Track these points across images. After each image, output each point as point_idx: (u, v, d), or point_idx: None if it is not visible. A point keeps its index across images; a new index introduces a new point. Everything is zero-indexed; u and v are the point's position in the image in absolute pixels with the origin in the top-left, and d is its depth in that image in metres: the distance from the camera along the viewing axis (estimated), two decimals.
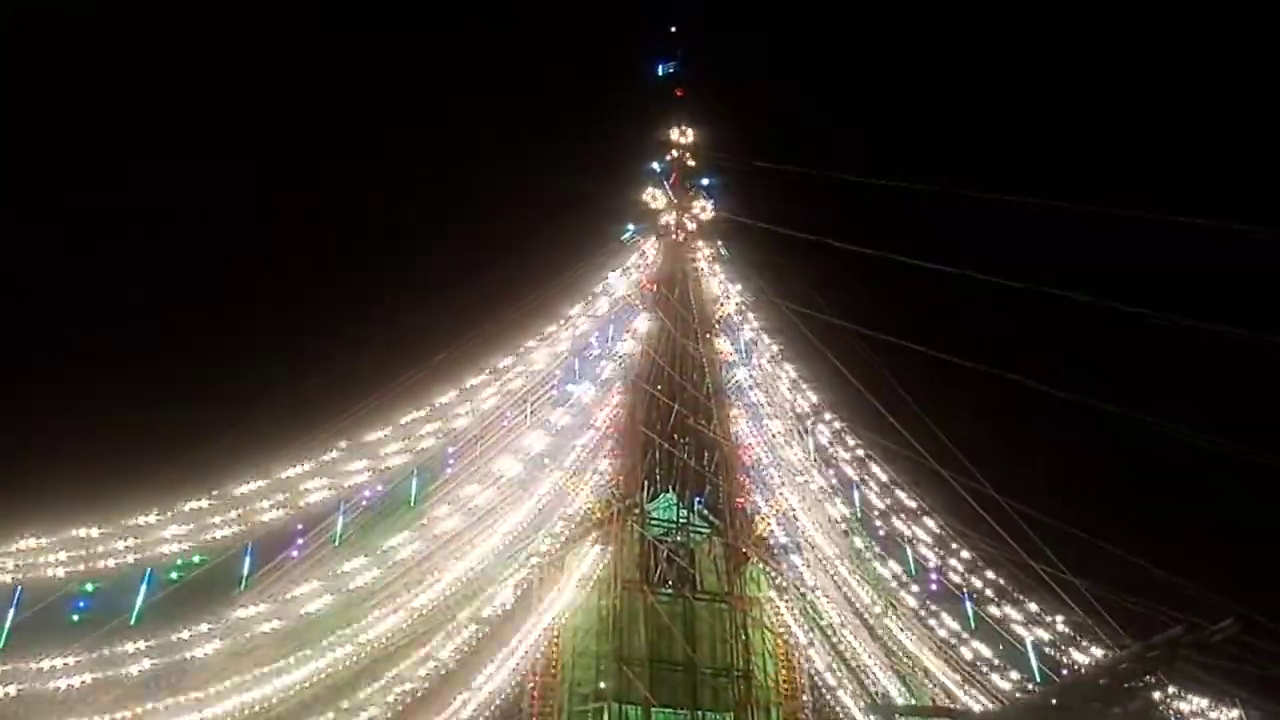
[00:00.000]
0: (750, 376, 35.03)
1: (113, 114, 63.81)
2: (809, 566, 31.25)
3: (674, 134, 38.98)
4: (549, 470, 29.10)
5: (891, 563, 30.47)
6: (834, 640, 29.94)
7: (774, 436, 33.53)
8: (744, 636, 29.24)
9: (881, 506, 31.10)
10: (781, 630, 30.44)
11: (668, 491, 32.90)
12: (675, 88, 40.26)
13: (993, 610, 28.24)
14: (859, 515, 31.50)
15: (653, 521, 31.64)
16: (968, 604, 28.91)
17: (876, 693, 28.72)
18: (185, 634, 20.90)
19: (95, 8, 52.09)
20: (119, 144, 62.56)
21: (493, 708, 25.85)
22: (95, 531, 21.11)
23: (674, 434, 33.38)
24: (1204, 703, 23.61)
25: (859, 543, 31.05)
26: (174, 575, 22.04)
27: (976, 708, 26.71)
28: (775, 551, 31.61)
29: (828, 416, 33.19)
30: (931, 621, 29.29)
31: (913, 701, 28.07)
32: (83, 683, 19.16)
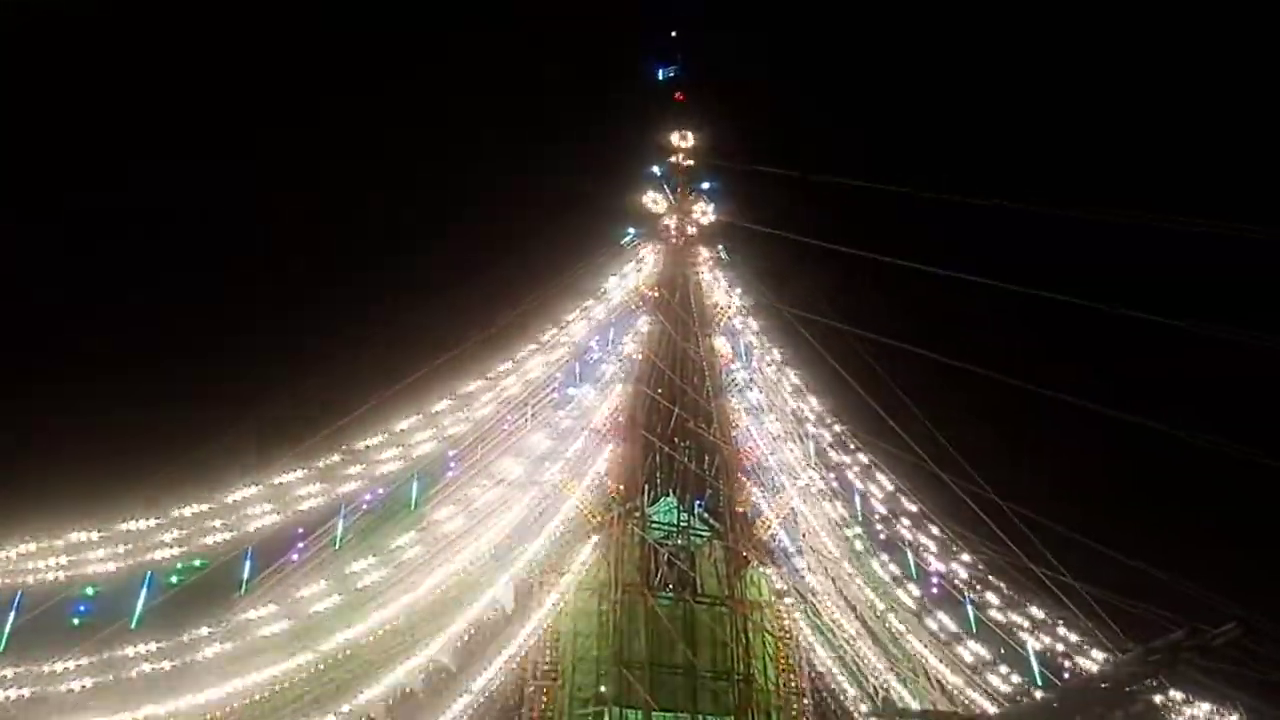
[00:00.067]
0: (750, 380, 35.06)
1: (113, 114, 63.89)
2: (810, 570, 31.25)
3: (674, 138, 39.00)
4: (549, 473, 29.12)
5: (892, 566, 30.48)
6: (835, 644, 29.93)
7: (774, 440, 33.56)
8: (744, 640, 29.20)
9: (882, 510, 31.13)
10: (782, 634, 30.40)
11: (668, 495, 32.90)
12: (676, 91, 40.31)
13: (994, 613, 28.24)
14: (860, 518, 31.51)
15: (653, 525, 31.63)
16: (969, 607, 28.90)
17: (877, 696, 28.68)
18: (187, 637, 20.91)
19: (95, 8, 52.18)
20: (119, 144, 62.63)
21: (493, 710, 25.81)
22: (95, 535, 21.11)
23: (674, 437, 33.38)
24: (1205, 706, 23.58)
25: (860, 546, 31.05)
26: (174, 579, 22.06)
27: (977, 711, 26.65)
28: (776, 555, 31.59)
29: (828, 420, 33.24)
30: (932, 625, 29.28)
31: (914, 705, 28.02)
32: (82, 687, 19.12)
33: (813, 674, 29.94)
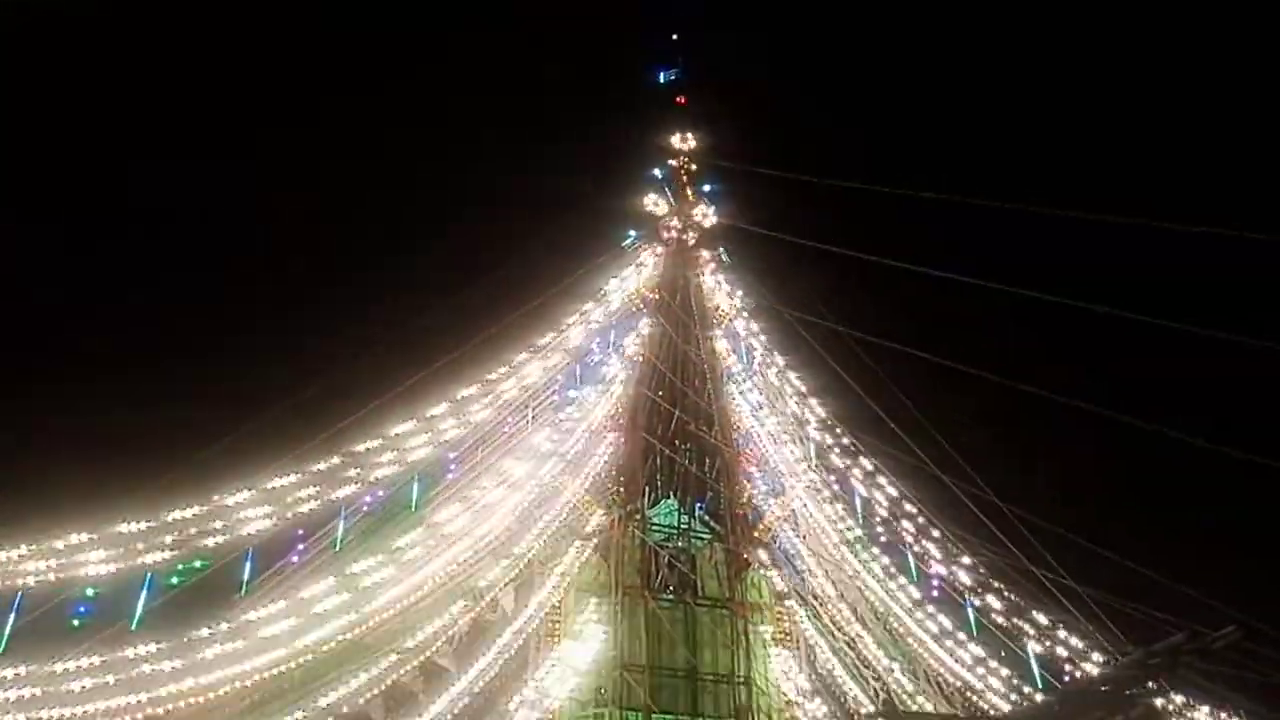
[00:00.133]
0: (752, 382, 35.08)
1: (113, 114, 63.93)
2: (810, 572, 31.24)
3: (675, 140, 39.05)
4: (549, 475, 29.14)
5: (893, 568, 30.50)
6: (835, 646, 29.92)
7: (775, 442, 33.58)
8: (745, 643, 29.18)
9: (883, 513, 31.15)
10: (783, 636, 30.38)
11: (669, 497, 32.87)
12: (677, 94, 40.36)
13: (994, 616, 28.24)
14: (861, 521, 31.53)
15: (654, 527, 31.61)
16: (969, 610, 28.91)
17: (879, 698, 28.66)
18: (187, 638, 20.98)
19: (95, 8, 52.24)
20: (119, 144, 62.66)
21: (490, 711, 25.76)
22: (94, 536, 21.16)
23: (675, 439, 33.36)
24: (1205, 709, 23.58)
25: (860, 549, 31.07)
26: (174, 580, 22.10)
27: (978, 713, 26.65)
28: (777, 557, 31.58)
29: (829, 422, 33.27)
30: (933, 627, 29.28)
31: (914, 707, 28.01)
32: (83, 688, 19.19)
33: (813, 676, 29.89)
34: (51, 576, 20.42)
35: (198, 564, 22.50)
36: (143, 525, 21.65)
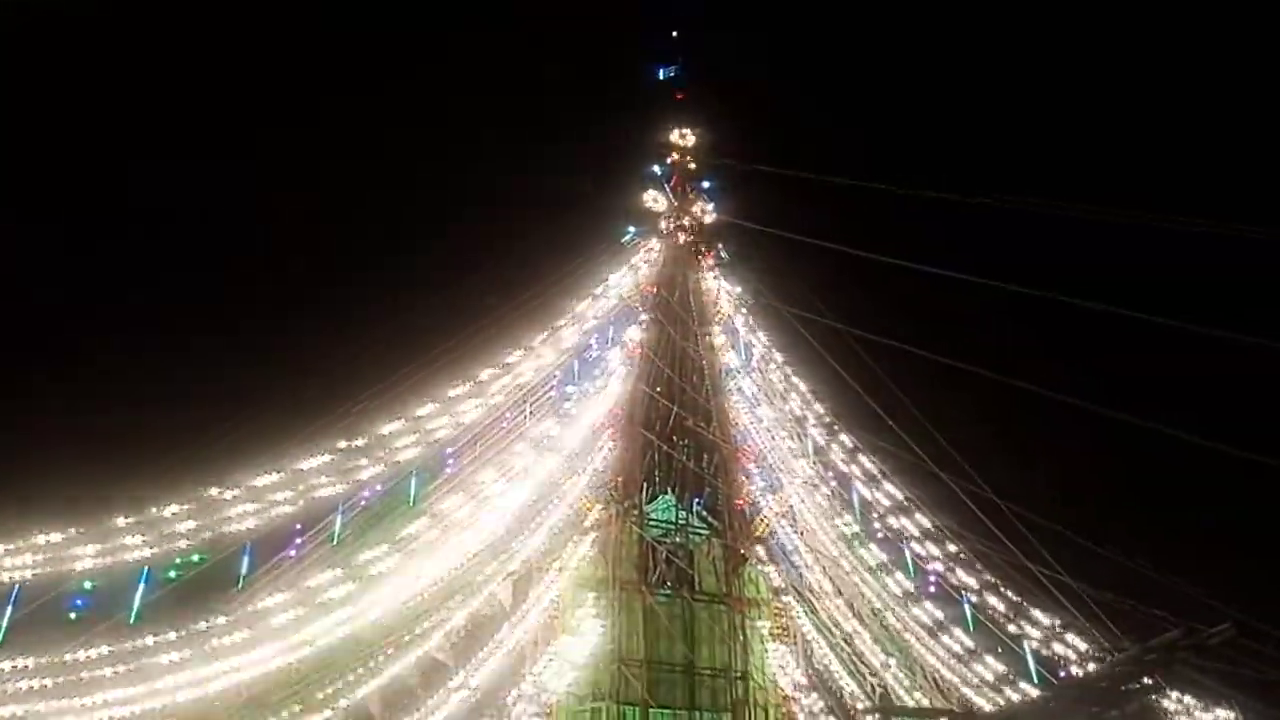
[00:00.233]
0: (749, 378, 35.12)
1: (113, 114, 63.81)
2: (807, 568, 31.32)
3: (674, 137, 39.04)
4: (548, 471, 29.17)
5: (889, 564, 30.57)
6: (832, 641, 30.00)
7: (773, 438, 33.63)
8: (742, 637, 29.26)
9: (880, 509, 31.21)
10: (780, 631, 30.46)
11: (666, 493, 32.91)
12: (676, 91, 40.34)
13: (991, 613, 28.32)
14: (858, 517, 31.60)
15: (651, 522, 31.65)
16: (966, 606, 28.99)
17: (875, 694, 28.74)
18: (182, 631, 21.03)
19: (95, 8, 52.12)
20: (119, 144, 62.54)
21: (489, 706, 25.82)
22: (92, 530, 21.19)
23: (673, 435, 33.40)
24: (1200, 705, 23.67)
25: (857, 545, 31.14)
26: (172, 574, 22.13)
27: (974, 709, 26.73)
28: (774, 553, 31.65)
29: (827, 419, 33.32)
30: (929, 623, 29.36)
31: (910, 703, 28.10)
32: (94, 677, 19.33)
33: (810, 671, 29.98)
34: (49, 570, 20.43)
35: (195, 558, 22.53)
36: (141, 519, 21.65)
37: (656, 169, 38.60)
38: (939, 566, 29.72)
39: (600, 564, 29.31)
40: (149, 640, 20.26)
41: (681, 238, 37.63)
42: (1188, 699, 23.81)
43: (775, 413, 34.25)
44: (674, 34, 40.87)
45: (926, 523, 30.14)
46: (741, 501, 32.26)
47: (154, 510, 22.05)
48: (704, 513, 32.90)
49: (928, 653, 29.13)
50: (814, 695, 29.16)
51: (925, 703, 28.23)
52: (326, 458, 24.95)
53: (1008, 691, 27.34)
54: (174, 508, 22.26)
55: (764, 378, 35.16)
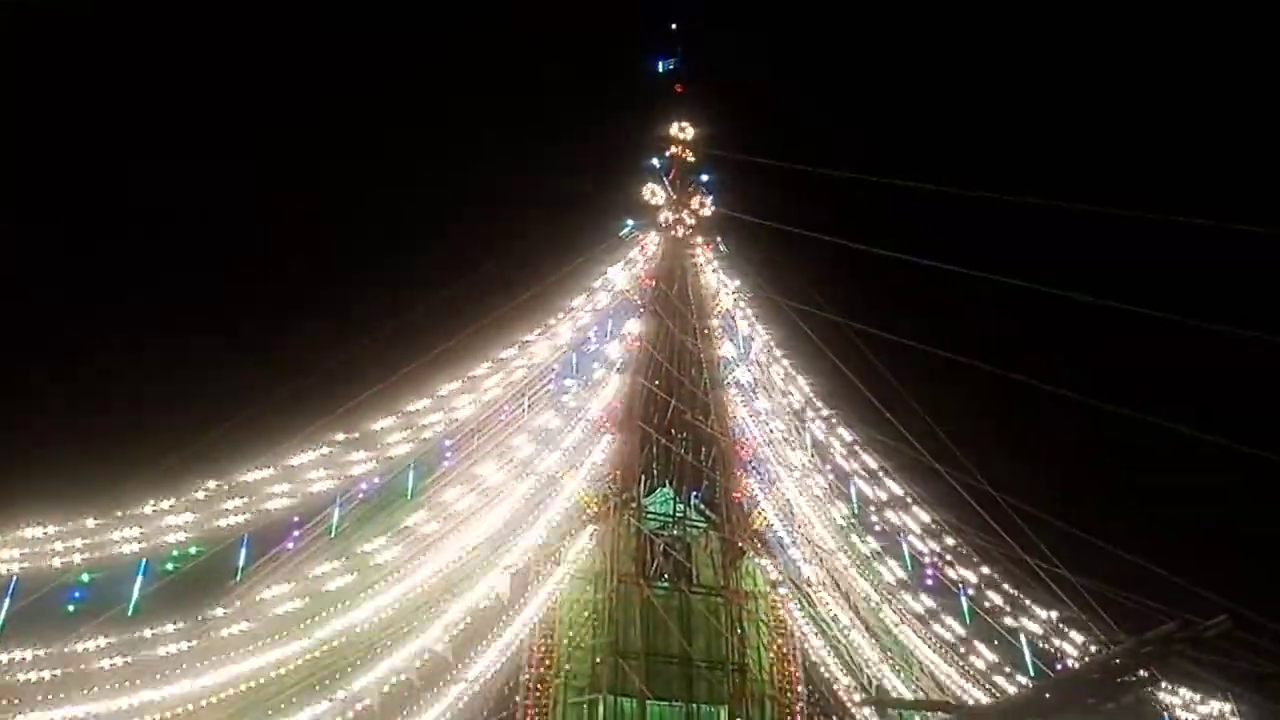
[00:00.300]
0: (748, 372, 35.12)
1: (113, 114, 63.68)
2: (805, 560, 31.36)
3: (673, 130, 38.96)
4: (545, 464, 29.17)
5: (887, 557, 30.65)
6: (829, 634, 30.07)
7: (771, 432, 33.65)
8: (740, 630, 29.34)
9: (878, 502, 31.28)
10: (777, 624, 30.55)
11: (664, 486, 32.96)
12: (675, 84, 40.25)
13: (988, 605, 28.41)
14: (856, 510, 31.66)
15: (649, 515, 31.70)
16: (963, 599, 29.08)
17: (871, 685, 28.82)
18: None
19: (95, 8, 51.97)
20: (119, 144, 62.41)
21: (487, 698, 25.90)
22: (91, 522, 21.20)
23: (671, 429, 33.43)
24: (1196, 697, 23.77)
25: (855, 537, 31.21)
26: (170, 566, 22.15)
27: (970, 701, 26.83)
28: (771, 545, 31.70)
29: (825, 412, 33.35)
30: (926, 615, 29.45)
31: (907, 695, 28.18)
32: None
33: (807, 663, 30.08)
34: (42, 564, 20.45)
35: (192, 550, 22.55)
36: (137, 513, 21.68)
37: (655, 162, 38.57)
38: (935, 559, 29.79)
39: (598, 557, 29.36)
40: (148, 633, 20.30)
41: (680, 231, 37.59)
42: (1184, 691, 23.91)
43: (773, 406, 34.27)
44: (674, 30, 40.81)
45: (924, 516, 30.23)
46: (739, 495, 32.31)
47: (151, 504, 22.07)
48: (702, 506, 32.96)
49: (924, 645, 29.20)
50: (811, 687, 29.25)
51: (921, 694, 28.31)
52: (325, 450, 24.98)
53: (1003, 683, 27.44)
54: (169, 501, 22.28)
55: (762, 371, 35.16)
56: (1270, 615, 17.93)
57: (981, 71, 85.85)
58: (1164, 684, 21.79)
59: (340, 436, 25.45)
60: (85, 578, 20.99)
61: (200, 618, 21.36)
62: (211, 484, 22.96)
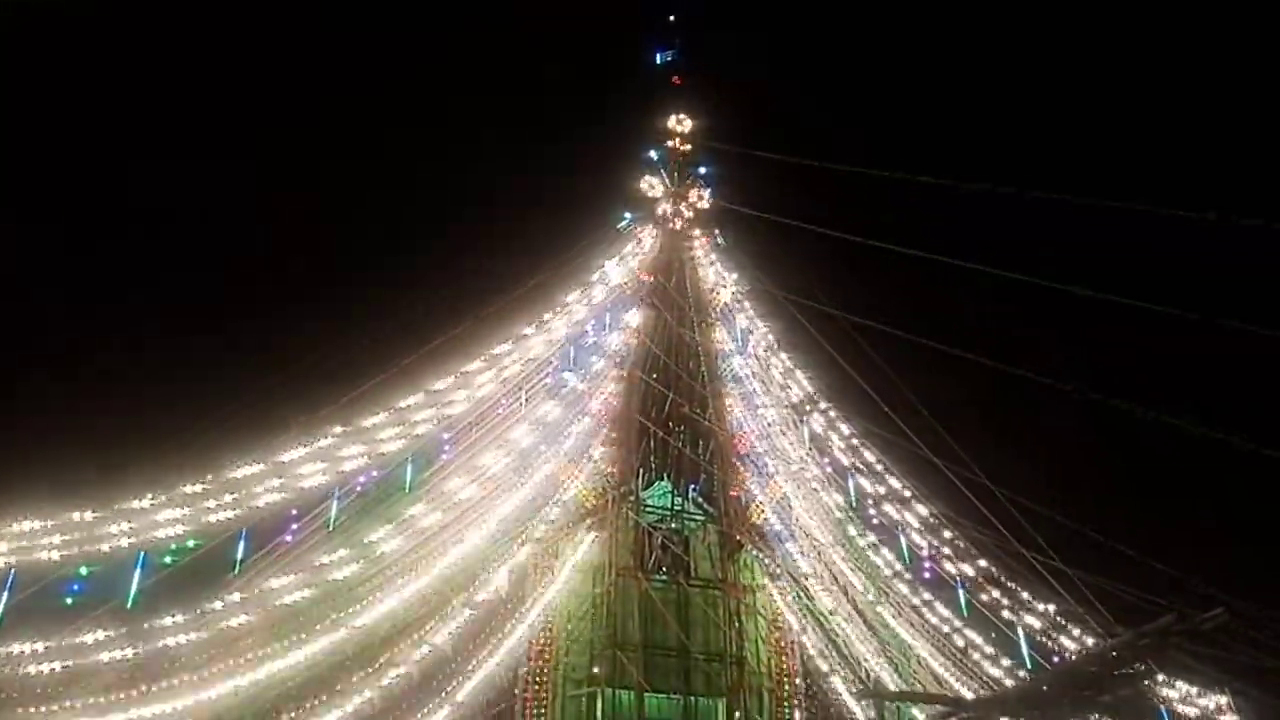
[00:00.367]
0: (746, 365, 35.12)
1: (113, 114, 63.49)
2: (802, 554, 31.42)
3: (671, 123, 38.88)
4: (544, 457, 29.19)
5: (884, 550, 30.70)
6: (827, 627, 30.14)
7: (769, 425, 33.67)
8: (737, 623, 29.39)
9: (875, 495, 31.32)
10: (774, 617, 30.61)
11: (662, 479, 32.99)
12: (673, 76, 40.15)
13: (985, 598, 28.47)
14: (853, 503, 31.71)
15: (647, 509, 31.75)
16: (960, 592, 29.14)
17: (869, 678, 28.91)
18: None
19: (95, 8, 51.75)
20: (119, 144, 62.24)
21: (486, 691, 25.94)
22: (90, 515, 21.18)
23: (669, 422, 33.42)
24: (1193, 689, 23.84)
25: (852, 530, 31.25)
26: (168, 559, 22.15)
27: (968, 694, 26.90)
28: (769, 539, 31.75)
29: (823, 405, 33.35)
30: (924, 609, 29.51)
31: (904, 688, 28.27)
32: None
33: (804, 656, 30.15)
34: (45, 555, 20.45)
35: (191, 543, 22.56)
36: (151, 501, 21.73)
37: (654, 154, 38.47)
38: (933, 552, 29.84)
39: (596, 550, 29.38)
40: (156, 623, 20.44)
41: (678, 224, 37.54)
42: (1181, 684, 23.98)
43: (771, 399, 34.27)
44: (672, 22, 40.69)
45: (921, 509, 30.26)
46: (737, 488, 32.33)
47: (150, 498, 22.06)
48: (700, 499, 32.98)
49: (920, 638, 29.28)
50: (807, 679, 29.33)
51: (918, 687, 28.40)
52: (328, 441, 25.03)
53: (1000, 676, 27.52)
54: (162, 496, 22.29)
55: (760, 364, 35.17)
56: (1268, 608, 17.96)
57: (981, 71, 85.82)
58: (1161, 677, 21.85)
59: (338, 429, 25.43)
60: (84, 571, 21.00)
61: (200, 611, 21.38)
62: (210, 478, 22.96)
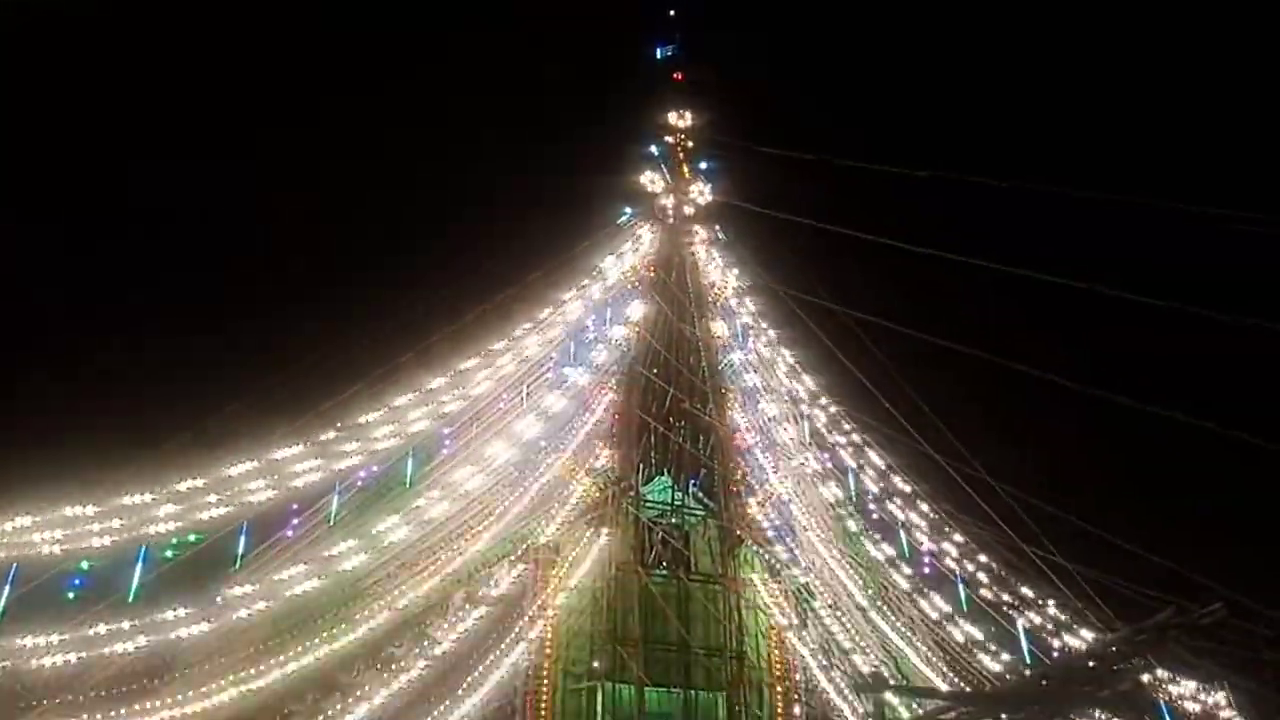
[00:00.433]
0: (746, 360, 35.13)
1: (113, 114, 63.47)
2: (802, 549, 31.46)
3: (672, 117, 38.83)
4: (544, 453, 29.22)
5: (885, 545, 30.74)
6: (826, 622, 30.19)
7: (769, 420, 33.69)
8: (737, 617, 29.43)
9: (876, 490, 31.36)
10: (774, 611, 30.65)
11: (663, 474, 32.99)
12: (674, 72, 40.09)
13: (984, 593, 28.52)
14: (853, 499, 31.74)
15: (648, 504, 31.76)
16: (959, 587, 29.19)
17: (867, 673, 28.95)
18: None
19: (95, 8, 51.70)
20: (119, 144, 62.21)
21: (487, 688, 26.00)
22: (90, 509, 21.25)
23: (670, 417, 33.42)
24: (1192, 684, 23.87)
25: (853, 526, 31.29)
26: (169, 554, 22.24)
27: (966, 688, 26.96)
28: (769, 534, 31.78)
29: (823, 400, 33.38)
30: (923, 604, 29.56)
31: (903, 682, 28.32)
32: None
33: (804, 651, 30.19)
34: (47, 550, 20.53)
35: (192, 538, 22.64)
36: (147, 498, 21.79)
37: (654, 149, 38.43)
38: (932, 547, 29.89)
39: (596, 545, 29.38)
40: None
41: (678, 218, 37.50)
42: (1180, 679, 24.00)
43: (771, 393, 34.29)
44: (672, 16, 40.61)
45: (921, 503, 30.31)
46: (737, 483, 32.36)
47: (150, 494, 22.12)
48: (700, 494, 33.01)
49: (920, 632, 29.33)
50: (807, 673, 29.38)
51: (918, 681, 28.44)
52: (330, 435, 25.13)
53: (999, 670, 27.57)
54: (162, 492, 22.36)
55: (760, 359, 35.18)
56: (1267, 603, 17.97)
57: (984, 70, 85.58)
58: (1160, 672, 21.86)
59: (338, 424, 25.50)
60: (85, 565, 21.09)
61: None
62: (215, 473, 23.05)
